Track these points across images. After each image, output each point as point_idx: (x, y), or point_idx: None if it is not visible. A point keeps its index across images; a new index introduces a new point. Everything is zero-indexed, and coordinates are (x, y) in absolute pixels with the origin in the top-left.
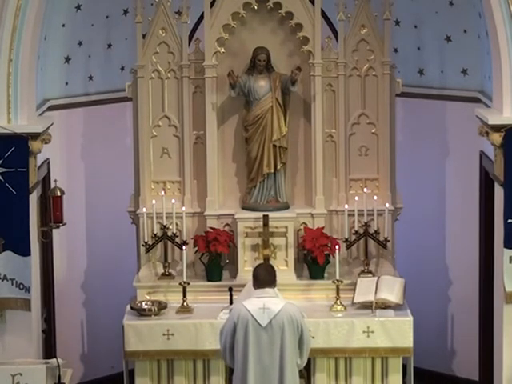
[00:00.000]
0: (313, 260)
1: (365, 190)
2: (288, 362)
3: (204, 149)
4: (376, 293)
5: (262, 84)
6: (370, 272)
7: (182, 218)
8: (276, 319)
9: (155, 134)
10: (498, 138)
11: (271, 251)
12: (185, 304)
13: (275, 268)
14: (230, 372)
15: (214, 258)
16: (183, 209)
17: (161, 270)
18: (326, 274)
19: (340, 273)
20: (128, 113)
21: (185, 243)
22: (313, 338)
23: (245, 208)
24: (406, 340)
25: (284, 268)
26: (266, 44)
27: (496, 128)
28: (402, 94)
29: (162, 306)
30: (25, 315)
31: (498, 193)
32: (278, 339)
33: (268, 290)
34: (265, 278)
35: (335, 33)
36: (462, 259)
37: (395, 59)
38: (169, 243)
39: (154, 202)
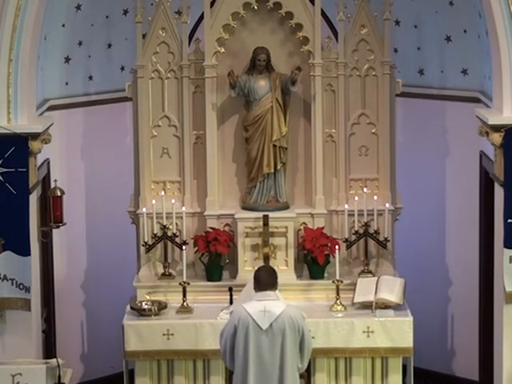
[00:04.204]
0: (313, 260)
1: (365, 190)
2: (289, 365)
3: (204, 149)
4: (376, 293)
5: (262, 84)
6: (370, 272)
7: (182, 218)
8: (277, 322)
9: (155, 134)
10: (497, 138)
11: (271, 251)
12: (185, 304)
13: (276, 270)
14: (229, 372)
15: (214, 257)
16: (183, 209)
17: (161, 269)
18: (326, 274)
19: (340, 273)
20: (128, 113)
21: (185, 243)
22: (313, 337)
23: (245, 208)
24: (406, 340)
25: (284, 268)
26: (266, 44)
27: (496, 128)
28: (402, 94)
29: (162, 306)
30: (25, 315)
31: (498, 193)
32: (279, 342)
33: (269, 292)
34: (266, 280)
35: (335, 33)
36: (462, 259)
37: (395, 59)
38: (169, 243)
39: (153, 201)
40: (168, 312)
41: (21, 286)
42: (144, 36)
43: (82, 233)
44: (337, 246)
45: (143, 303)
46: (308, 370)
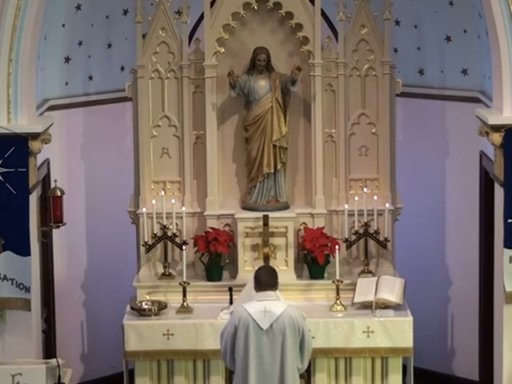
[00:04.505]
0: (313, 260)
1: (365, 190)
2: (289, 366)
3: (204, 149)
4: (376, 293)
5: (261, 84)
6: (370, 272)
7: (182, 218)
8: (277, 322)
9: (155, 133)
10: (497, 138)
11: (271, 251)
12: (185, 304)
13: (276, 270)
14: (229, 372)
15: (214, 257)
16: (183, 209)
17: (161, 269)
18: (326, 274)
19: (340, 273)
20: (128, 113)
21: (185, 243)
22: (313, 337)
23: (245, 208)
24: (406, 340)
25: (284, 268)
26: (266, 44)
27: (496, 128)
28: (402, 94)
29: (162, 306)
30: (25, 315)
31: (498, 193)
32: (279, 342)
33: (269, 292)
34: (266, 280)
35: (335, 33)
36: (462, 259)
37: (395, 59)
38: (169, 243)
39: (154, 202)
40: (168, 312)
41: (21, 286)
42: (144, 36)
43: (82, 233)
44: (337, 246)
45: (143, 303)
46: (308, 370)
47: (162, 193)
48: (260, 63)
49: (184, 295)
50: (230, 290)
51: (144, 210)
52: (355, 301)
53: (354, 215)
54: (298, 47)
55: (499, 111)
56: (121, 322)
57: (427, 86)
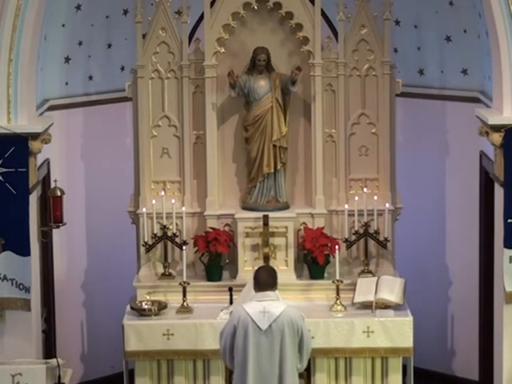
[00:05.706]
0: (313, 260)
1: (365, 190)
2: (288, 366)
3: (204, 149)
4: (376, 293)
5: (262, 84)
6: (370, 272)
7: (182, 218)
8: (276, 323)
9: (155, 134)
10: (497, 137)
11: (271, 251)
12: (185, 304)
13: (276, 270)
14: (229, 372)
15: (214, 257)
16: (183, 209)
17: (161, 270)
18: (326, 274)
19: (340, 273)
20: (128, 113)
21: (185, 243)
22: (313, 337)
23: (245, 208)
24: (406, 340)
25: (284, 268)
26: (266, 44)
27: (496, 128)
28: (402, 94)
29: (162, 306)
30: (25, 315)
31: (498, 193)
32: (278, 343)
33: (269, 293)
34: (266, 281)
35: (335, 33)
36: (461, 259)
37: (395, 59)
38: (169, 243)
39: (154, 201)
40: (168, 312)
41: (21, 286)
42: (144, 36)
43: (82, 233)
44: (337, 246)
45: (143, 303)
46: (308, 369)
47: (162, 193)
48: (260, 63)
49: (184, 295)
50: (230, 290)
51: (144, 210)
52: (355, 301)
53: (354, 215)
54: (298, 47)
55: (499, 111)
56: (121, 322)
57: (427, 86)
